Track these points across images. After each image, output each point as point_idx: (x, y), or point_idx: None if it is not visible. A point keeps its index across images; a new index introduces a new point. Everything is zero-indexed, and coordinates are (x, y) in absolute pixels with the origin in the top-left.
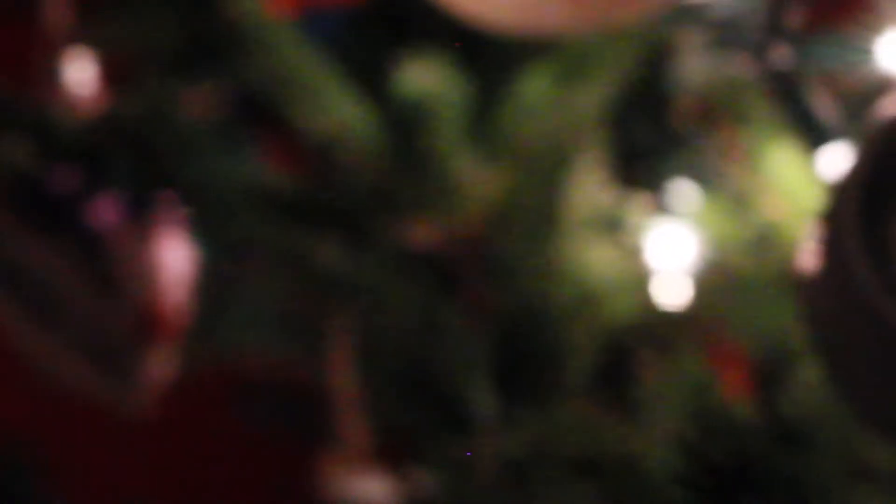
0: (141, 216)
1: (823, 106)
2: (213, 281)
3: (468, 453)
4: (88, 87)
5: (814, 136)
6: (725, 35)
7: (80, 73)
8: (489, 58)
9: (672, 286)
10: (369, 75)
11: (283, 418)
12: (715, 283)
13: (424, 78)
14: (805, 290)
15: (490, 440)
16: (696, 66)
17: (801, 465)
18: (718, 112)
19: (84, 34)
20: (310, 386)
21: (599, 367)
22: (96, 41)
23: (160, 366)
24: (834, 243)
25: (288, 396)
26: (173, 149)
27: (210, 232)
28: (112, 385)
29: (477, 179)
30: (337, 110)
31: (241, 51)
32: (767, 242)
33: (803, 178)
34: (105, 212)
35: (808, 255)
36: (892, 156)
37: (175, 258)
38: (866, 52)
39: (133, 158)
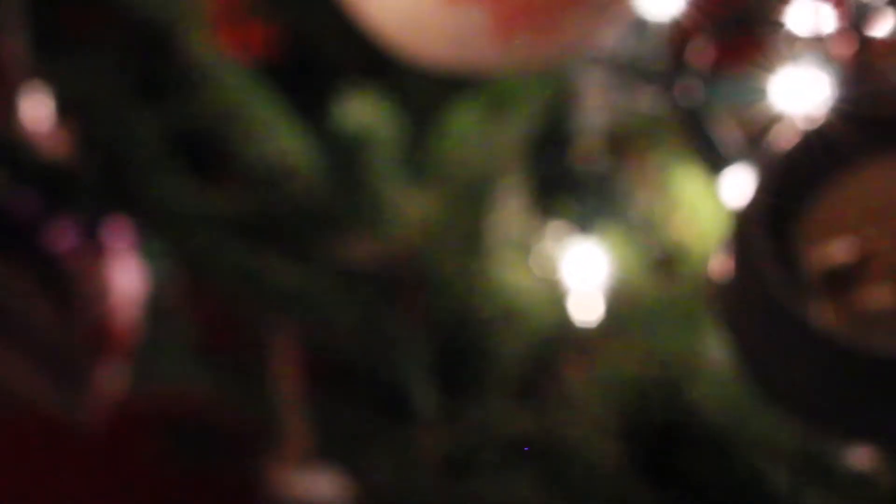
0: (95, 238)
1: (725, 136)
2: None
3: (412, 446)
4: (45, 121)
5: (716, 163)
6: (632, 73)
7: (37, 108)
8: (422, 92)
9: (586, 303)
10: (312, 109)
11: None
12: (623, 300)
13: (362, 111)
14: (719, 295)
15: (432, 432)
16: (604, 102)
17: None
18: (628, 142)
19: (40, 70)
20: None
21: (527, 369)
22: (52, 77)
23: (109, 381)
24: (745, 252)
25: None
26: (128, 175)
27: (163, 253)
28: (62, 397)
29: (410, 203)
30: (281, 141)
31: (193, 86)
32: (674, 261)
33: (707, 202)
34: (61, 234)
35: (720, 264)
36: (793, 176)
37: (127, 279)
38: (761, 90)
39: (88, 184)
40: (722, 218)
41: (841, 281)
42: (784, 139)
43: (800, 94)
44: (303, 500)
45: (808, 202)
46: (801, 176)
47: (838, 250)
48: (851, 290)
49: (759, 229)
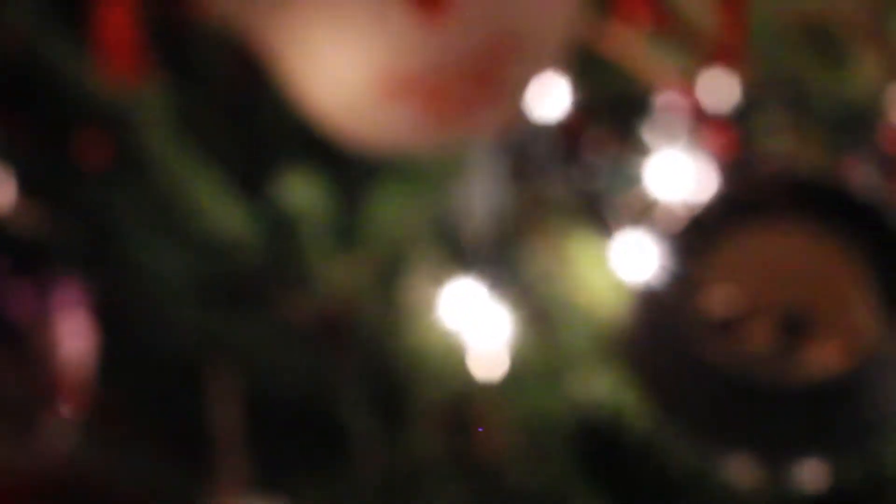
0: (49, 297)
1: (614, 211)
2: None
3: (349, 473)
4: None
5: (607, 232)
6: (531, 158)
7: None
8: (352, 172)
9: (489, 360)
10: (254, 183)
11: None
12: (523, 355)
13: (298, 187)
14: (630, 338)
15: (370, 459)
16: (502, 181)
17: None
18: (529, 216)
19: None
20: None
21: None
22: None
23: (58, 434)
24: (655, 302)
25: None
26: (78, 241)
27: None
28: (11, 446)
29: (339, 268)
30: (225, 215)
31: (145, 168)
32: (573, 319)
33: (599, 266)
34: (15, 291)
35: (632, 313)
36: (691, 239)
37: (78, 337)
38: (638, 175)
39: (43, 247)
40: (613, 280)
41: (731, 324)
42: (676, 211)
43: (674, 176)
44: None
45: (705, 260)
46: (697, 239)
47: (729, 299)
48: (738, 332)
49: (668, 284)
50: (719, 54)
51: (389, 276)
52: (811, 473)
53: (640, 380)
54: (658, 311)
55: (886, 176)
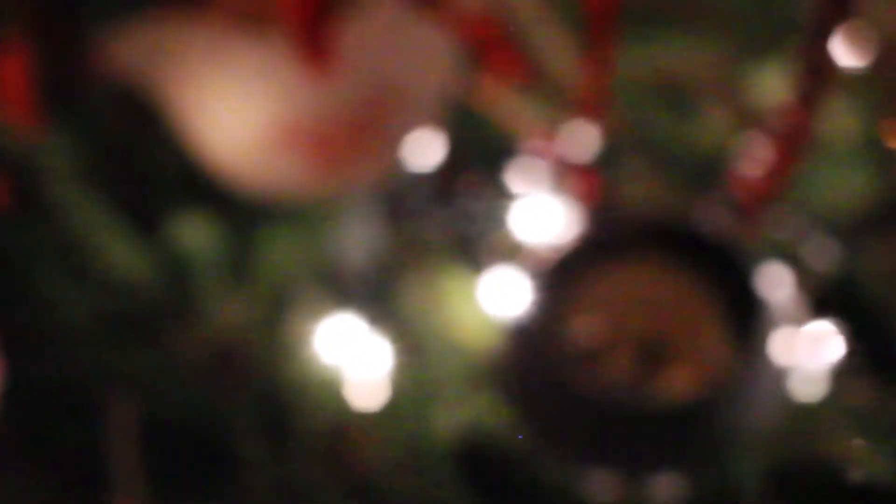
0: None
1: (483, 251)
2: None
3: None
4: None
5: (477, 271)
6: (403, 203)
7: None
8: (242, 214)
9: (368, 389)
10: (151, 228)
11: None
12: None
13: (193, 229)
14: (504, 366)
15: (259, 482)
16: (374, 229)
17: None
18: (406, 256)
19: None
20: None
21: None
22: None
23: None
24: (526, 333)
25: None
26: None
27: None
28: None
29: (231, 305)
30: (123, 255)
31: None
32: (445, 351)
33: (470, 301)
34: None
35: (506, 344)
36: (558, 276)
37: None
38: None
39: None
40: (483, 314)
41: (594, 354)
42: (542, 251)
43: (540, 219)
44: None
45: (570, 296)
46: (562, 276)
47: (592, 331)
48: (601, 361)
49: (536, 317)
50: (583, 107)
51: (276, 311)
52: (668, 488)
53: (512, 405)
54: (527, 342)
55: (734, 218)
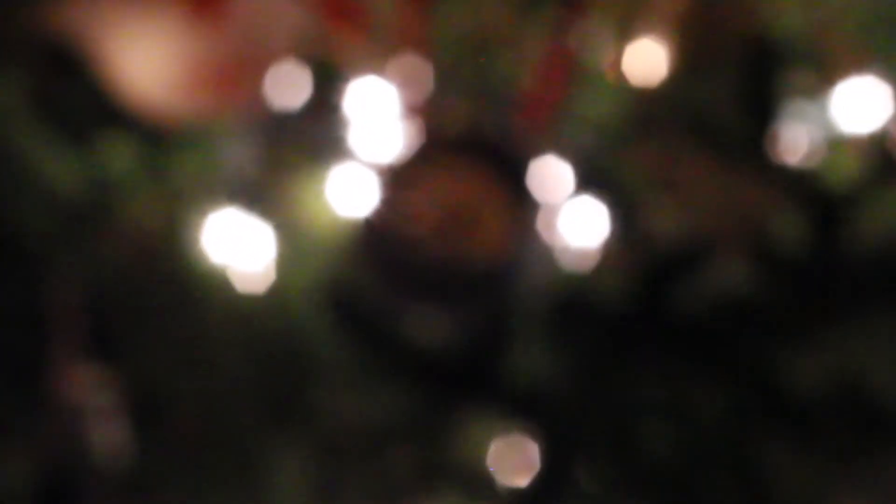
0: None
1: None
2: None
3: None
4: None
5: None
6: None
7: None
8: (154, 136)
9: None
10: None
11: None
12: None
13: (114, 148)
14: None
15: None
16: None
17: None
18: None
19: None
20: None
21: None
22: None
23: None
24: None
25: None
26: None
27: None
28: None
29: (148, 210)
30: (57, 168)
31: None
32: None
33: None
34: None
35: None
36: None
37: None
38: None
39: None
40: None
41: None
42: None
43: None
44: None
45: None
46: (400, 178)
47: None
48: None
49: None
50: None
51: (183, 211)
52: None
53: (370, 269)
54: (376, 226)
55: (522, 128)
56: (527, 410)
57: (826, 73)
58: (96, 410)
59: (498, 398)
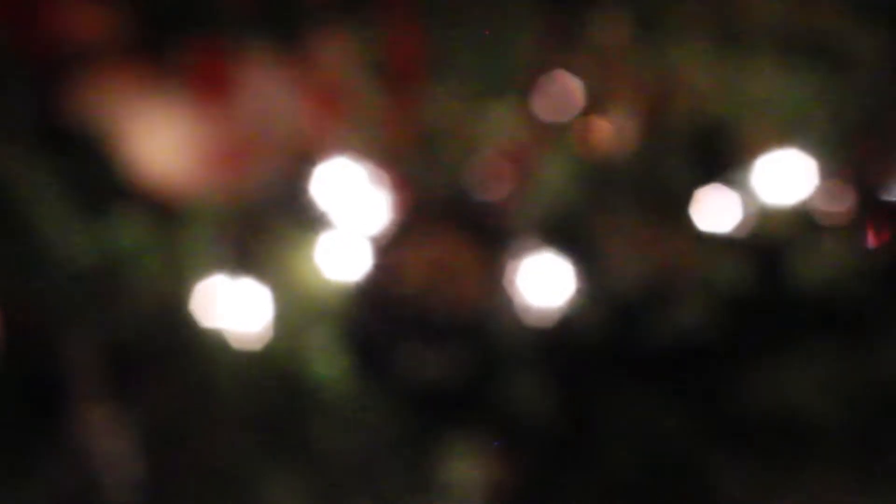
0: None
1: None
2: None
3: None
4: None
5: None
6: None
7: None
8: (164, 212)
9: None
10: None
11: None
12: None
13: (126, 223)
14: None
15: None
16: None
17: None
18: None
19: None
20: None
21: None
22: None
23: None
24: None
25: None
26: None
27: None
28: None
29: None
30: (74, 239)
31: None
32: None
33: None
34: None
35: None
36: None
37: None
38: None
39: None
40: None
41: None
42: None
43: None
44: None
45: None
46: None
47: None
48: (417, 296)
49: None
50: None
51: (189, 281)
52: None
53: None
54: (370, 286)
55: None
56: (510, 434)
57: (754, 148)
58: (111, 451)
59: (484, 424)
